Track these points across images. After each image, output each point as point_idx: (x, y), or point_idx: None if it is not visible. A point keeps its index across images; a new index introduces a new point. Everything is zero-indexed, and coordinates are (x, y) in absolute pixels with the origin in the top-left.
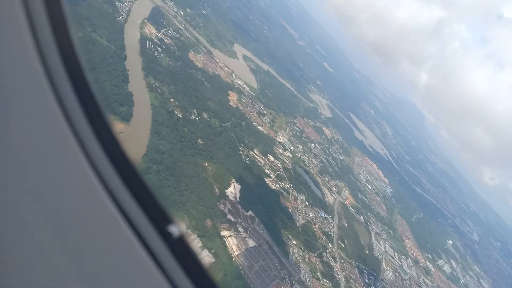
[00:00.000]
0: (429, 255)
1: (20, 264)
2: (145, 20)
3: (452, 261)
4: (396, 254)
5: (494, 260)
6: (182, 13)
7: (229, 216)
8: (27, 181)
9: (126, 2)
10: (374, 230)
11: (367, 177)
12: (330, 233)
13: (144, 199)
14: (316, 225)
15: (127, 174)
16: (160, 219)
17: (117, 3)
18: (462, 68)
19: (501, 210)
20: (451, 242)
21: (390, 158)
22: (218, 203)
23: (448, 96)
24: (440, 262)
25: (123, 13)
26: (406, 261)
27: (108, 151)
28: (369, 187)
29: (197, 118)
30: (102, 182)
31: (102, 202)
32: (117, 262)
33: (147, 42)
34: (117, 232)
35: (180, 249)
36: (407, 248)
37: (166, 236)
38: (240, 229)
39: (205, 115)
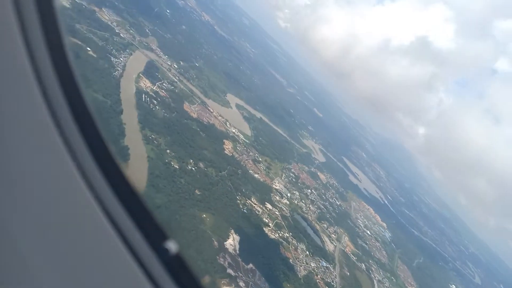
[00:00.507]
0: None
1: (12, 280)
2: (140, 74)
3: None
4: None
5: None
6: (176, 66)
7: (229, 271)
8: (22, 198)
9: (121, 57)
10: (376, 278)
11: (365, 222)
12: (332, 283)
13: (140, 216)
14: (318, 276)
15: (122, 191)
16: (156, 236)
17: (112, 59)
18: (455, 117)
19: (500, 250)
20: (454, 287)
21: (386, 201)
22: (218, 257)
23: (443, 144)
24: None
25: (119, 68)
26: None
27: (104, 168)
28: (368, 232)
29: (193, 168)
30: (98, 199)
31: (98, 218)
32: (113, 278)
33: (143, 95)
34: (113, 248)
35: (177, 265)
36: None
37: (162, 252)
38: (241, 283)
39: (201, 165)
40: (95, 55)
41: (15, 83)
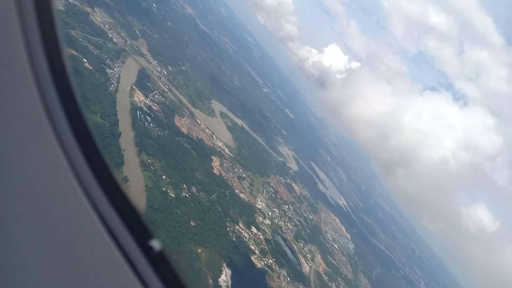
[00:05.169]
0: None
1: (5, 278)
2: (133, 86)
3: None
4: None
5: None
6: (165, 72)
7: None
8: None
9: (115, 67)
10: None
11: (333, 235)
12: None
13: (126, 214)
14: None
15: (110, 190)
16: (142, 234)
17: (107, 70)
18: None
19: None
20: None
21: (348, 209)
22: None
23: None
24: None
25: (114, 81)
26: None
27: (93, 166)
28: (336, 246)
29: (187, 195)
30: (87, 197)
31: (86, 216)
32: (99, 274)
33: (138, 112)
34: (100, 245)
35: (161, 263)
36: None
37: (147, 250)
38: None
39: (193, 189)
40: (91, 68)
41: (23, 114)
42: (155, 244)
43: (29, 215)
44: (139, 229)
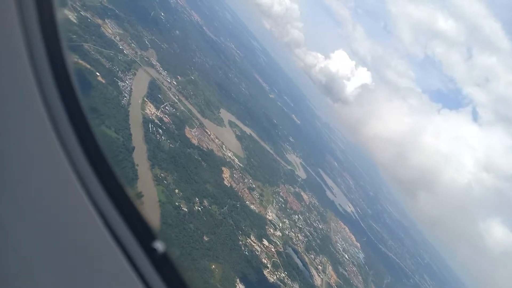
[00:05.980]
0: None
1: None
2: (144, 99)
3: None
4: None
5: None
6: (175, 83)
7: None
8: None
9: (127, 80)
10: None
11: (343, 244)
12: None
13: (129, 215)
14: None
15: (113, 190)
16: (145, 235)
17: (120, 83)
18: None
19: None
20: None
21: (357, 216)
22: None
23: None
24: None
25: (126, 94)
26: None
27: (95, 167)
28: (346, 256)
29: (199, 209)
30: (89, 197)
31: (89, 217)
32: (102, 276)
33: (150, 125)
34: (102, 246)
35: (165, 265)
36: None
37: (151, 252)
38: None
39: (205, 203)
40: (104, 81)
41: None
42: (159, 245)
43: (31, 218)
44: (142, 230)
